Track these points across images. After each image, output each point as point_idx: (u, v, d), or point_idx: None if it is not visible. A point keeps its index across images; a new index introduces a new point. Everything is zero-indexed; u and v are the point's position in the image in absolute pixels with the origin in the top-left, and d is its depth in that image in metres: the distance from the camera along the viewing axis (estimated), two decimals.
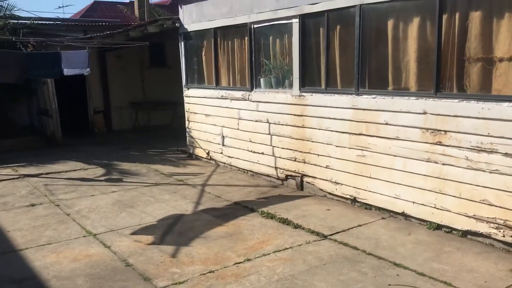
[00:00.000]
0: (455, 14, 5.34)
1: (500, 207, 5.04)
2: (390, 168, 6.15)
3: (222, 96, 9.27)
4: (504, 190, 4.99)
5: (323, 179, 7.21)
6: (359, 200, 6.67)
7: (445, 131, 5.47)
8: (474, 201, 5.27)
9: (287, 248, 5.29)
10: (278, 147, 8.04)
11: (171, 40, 11.64)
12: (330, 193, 7.14)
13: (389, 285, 4.38)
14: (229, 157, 9.36)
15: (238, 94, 8.81)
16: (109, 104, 15.14)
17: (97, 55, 13.92)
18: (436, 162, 5.61)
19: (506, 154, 4.93)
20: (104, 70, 14.82)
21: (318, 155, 7.23)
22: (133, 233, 5.91)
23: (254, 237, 5.68)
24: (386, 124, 6.12)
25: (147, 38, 11.04)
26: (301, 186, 7.68)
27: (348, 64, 6.65)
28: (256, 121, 8.44)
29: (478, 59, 5.21)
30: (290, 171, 7.85)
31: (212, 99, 9.59)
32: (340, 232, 5.74)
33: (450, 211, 5.53)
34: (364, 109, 6.40)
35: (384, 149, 6.18)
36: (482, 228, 5.23)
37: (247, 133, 8.70)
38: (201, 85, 10.05)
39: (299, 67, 7.40)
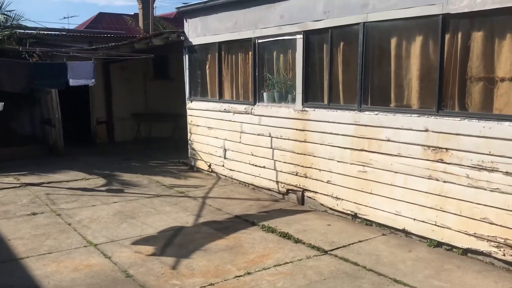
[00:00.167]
0: (458, 33, 5.42)
1: (500, 225, 5.06)
2: (391, 185, 6.18)
3: (225, 109, 9.34)
4: (504, 209, 5.01)
5: (324, 194, 7.23)
6: (360, 216, 6.68)
7: (447, 149, 5.51)
8: (474, 219, 5.29)
9: (288, 263, 5.29)
10: (279, 161, 8.07)
11: (175, 52, 11.75)
12: (331, 208, 7.16)
13: None
14: (230, 170, 9.39)
15: (241, 107, 8.87)
16: (112, 115, 15.20)
17: (101, 66, 14.02)
18: (437, 180, 5.64)
19: (507, 173, 4.96)
20: (108, 81, 14.91)
21: (320, 170, 7.26)
22: (134, 244, 5.92)
23: (254, 250, 5.69)
24: (388, 140, 6.17)
25: (152, 50, 11.14)
26: (302, 201, 7.70)
27: (350, 80, 6.72)
28: (258, 134, 8.49)
29: (479, 79, 5.27)
30: (292, 185, 7.88)
31: (214, 112, 9.66)
32: (341, 247, 5.75)
33: (450, 229, 5.55)
34: (366, 125, 6.45)
35: (386, 166, 6.22)
36: (483, 246, 5.24)
37: (249, 146, 8.74)
38: (204, 98, 10.12)
39: (302, 82, 7.47)
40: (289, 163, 7.87)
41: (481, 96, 5.29)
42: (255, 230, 6.44)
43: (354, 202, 6.73)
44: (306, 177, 7.56)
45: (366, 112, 6.45)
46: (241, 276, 4.94)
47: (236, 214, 7.20)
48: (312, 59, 7.39)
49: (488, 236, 5.18)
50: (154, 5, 23.09)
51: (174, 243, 5.97)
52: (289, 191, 7.95)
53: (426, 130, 5.71)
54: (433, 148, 5.65)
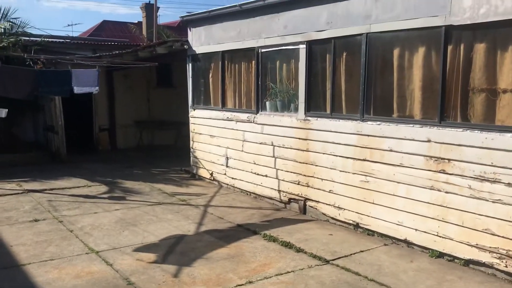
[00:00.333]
0: (460, 45, 5.45)
1: (502, 237, 5.06)
2: (393, 195, 6.18)
3: (227, 117, 9.37)
4: (507, 220, 5.01)
5: (326, 204, 7.24)
6: (361, 225, 6.68)
7: (449, 160, 5.52)
8: (476, 230, 5.29)
9: (289, 272, 5.29)
10: (282, 170, 8.09)
11: (179, 61, 11.82)
12: (332, 218, 7.16)
13: None
14: (232, 178, 9.40)
15: (244, 116, 8.90)
16: (115, 122, 15.26)
17: (105, 74, 14.08)
18: (439, 190, 5.64)
19: (509, 184, 4.97)
20: (111, 88, 14.99)
21: (322, 179, 7.27)
22: (136, 252, 5.92)
23: (256, 259, 5.69)
24: (390, 150, 6.18)
25: (155, 58, 11.21)
26: (304, 210, 7.70)
27: (353, 90, 6.76)
28: (260, 143, 8.51)
29: (482, 90, 5.29)
30: (293, 194, 7.88)
31: (217, 120, 9.69)
32: (343, 257, 5.74)
33: (452, 240, 5.54)
34: (368, 135, 6.47)
35: (388, 176, 6.23)
36: (485, 257, 5.23)
37: (251, 155, 8.76)
38: (207, 106, 10.17)
39: (305, 91, 7.51)
40: (291, 172, 7.89)
41: (484, 107, 5.31)
42: (257, 239, 6.44)
43: (356, 212, 6.73)
44: (308, 186, 7.56)
45: (369, 122, 6.47)
46: (242, 285, 4.94)
47: (238, 222, 7.21)
48: (315, 68, 7.43)
49: (490, 247, 5.17)
50: (157, 14, 23.27)
51: (175, 251, 5.97)
52: (291, 200, 7.96)
53: (429, 141, 5.72)
54: (435, 159, 5.66)
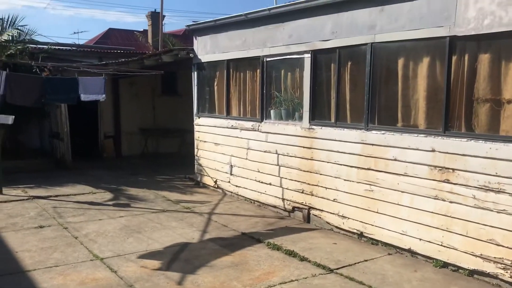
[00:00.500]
0: (465, 55, 5.48)
1: (507, 247, 5.05)
2: (397, 204, 6.19)
3: (232, 125, 9.41)
4: (511, 230, 5.00)
5: (330, 213, 7.24)
6: (365, 235, 6.67)
7: (453, 169, 5.53)
8: (481, 240, 5.28)
9: (293, 280, 5.29)
10: (286, 178, 8.10)
11: (184, 69, 11.89)
12: (337, 227, 7.16)
13: None
14: (236, 186, 9.42)
15: (248, 124, 8.94)
16: (120, 129, 15.32)
17: (111, 81, 14.13)
18: (443, 200, 5.65)
19: None
20: (117, 96, 15.07)
21: (326, 188, 7.28)
22: (140, 259, 5.94)
23: (260, 268, 5.69)
24: (395, 160, 6.20)
25: (161, 66, 11.28)
26: (308, 219, 7.70)
27: (358, 100, 6.79)
28: (265, 151, 8.54)
29: (486, 100, 5.31)
30: (297, 203, 7.89)
31: (222, 128, 9.73)
32: (346, 266, 5.74)
33: (457, 250, 5.53)
34: (373, 144, 6.49)
35: (392, 185, 6.24)
36: (489, 267, 5.22)
37: (256, 163, 8.79)
38: (211, 114, 10.22)
39: (309, 100, 7.54)
40: (295, 181, 7.90)
41: (488, 118, 5.33)
42: (261, 247, 6.44)
43: (360, 221, 6.73)
44: (312, 195, 7.57)
45: (373, 131, 6.49)
46: None
47: (242, 231, 7.22)
48: (320, 78, 7.47)
49: (494, 257, 5.16)
50: (163, 22, 23.41)
51: (179, 259, 5.98)
52: (295, 209, 7.97)
53: (433, 150, 5.74)
54: (440, 168, 5.67)
